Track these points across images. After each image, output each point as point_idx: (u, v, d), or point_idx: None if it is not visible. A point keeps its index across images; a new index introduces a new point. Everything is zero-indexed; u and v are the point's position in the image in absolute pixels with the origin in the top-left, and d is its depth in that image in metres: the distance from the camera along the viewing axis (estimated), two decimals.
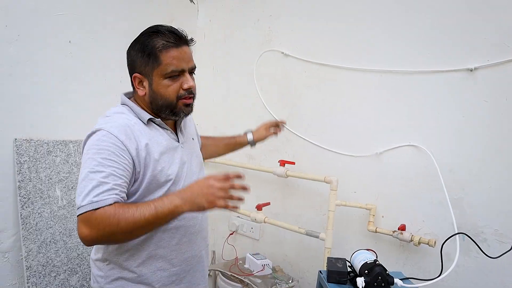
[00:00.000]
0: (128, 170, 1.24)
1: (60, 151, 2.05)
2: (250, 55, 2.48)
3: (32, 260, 1.90)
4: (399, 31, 1.88)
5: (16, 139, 1.91)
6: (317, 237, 1.99)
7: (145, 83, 1.35)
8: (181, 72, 1.33)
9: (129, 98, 1.41)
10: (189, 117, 1.54)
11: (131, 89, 1.43)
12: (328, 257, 1.43)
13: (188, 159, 1.45)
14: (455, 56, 1.72)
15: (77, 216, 1.15)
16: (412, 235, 1.80)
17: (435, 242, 1.74)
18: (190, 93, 1.36)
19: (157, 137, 1.36)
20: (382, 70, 1.93)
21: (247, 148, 1.90)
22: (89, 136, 1.26)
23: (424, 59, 1.80)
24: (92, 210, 1.13)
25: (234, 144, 1.86)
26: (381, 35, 1.93)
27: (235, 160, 2.52)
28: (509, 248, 1.49)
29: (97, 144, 1.22)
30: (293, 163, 2.21)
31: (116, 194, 1.17)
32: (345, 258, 1.41)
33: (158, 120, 1.38)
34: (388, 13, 1.91)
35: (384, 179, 1.95)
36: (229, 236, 2.60)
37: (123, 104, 1.40)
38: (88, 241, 1.16)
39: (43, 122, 2.02)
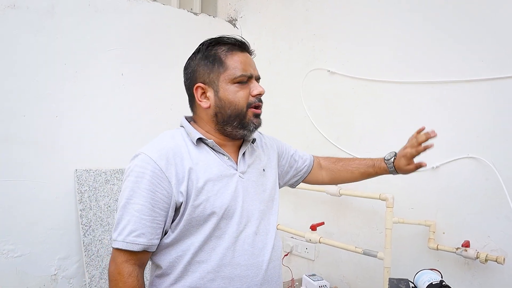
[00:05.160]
0: (165, 203, 1.13)
1: (117, 179, 2.13)
2: (296, 75, 2.49)
3: (95, 286, 1.96)
4: (450, 40, 1.82)
5: (76, 169, 2.00)
6: (375, 256, 1.93)
7: (210, 93, 1.22)
8: (249, 78, 1.24)
9: (189, 122, 1.29)
10: (266, 144, 1.44)
11: (182, 114, 1.33)
12: (389, 278, 1.38)
13: (248, 193, 1.25)
14: None
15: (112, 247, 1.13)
16: (478, 252, 1.70)
17: (504, 259, 1.63)
18: (260, 100, 1.27)
19: (207, 161, 1.19)
20: (433, 81, 1.87)
21: None
22: (131, 159, 1.17)
23: (478, 67, 1.73)
24: (122, 249, 1.10)
25: (373, 174, 1.52)
26: (431, 45, 1.88)
27: None
28: None
29: (136, 170, 1.13)
30: None
31: (147, 239, 1.11)
32: (407, 279, 1.35)
33: (210, 141, 1.22)
34: (437, 23, 1.86)
35: (442, 193, 1.86)
36: (284, 257, 2.57)
37: (181, 126, 1.29)
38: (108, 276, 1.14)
39: (101, 152, 2.12)
